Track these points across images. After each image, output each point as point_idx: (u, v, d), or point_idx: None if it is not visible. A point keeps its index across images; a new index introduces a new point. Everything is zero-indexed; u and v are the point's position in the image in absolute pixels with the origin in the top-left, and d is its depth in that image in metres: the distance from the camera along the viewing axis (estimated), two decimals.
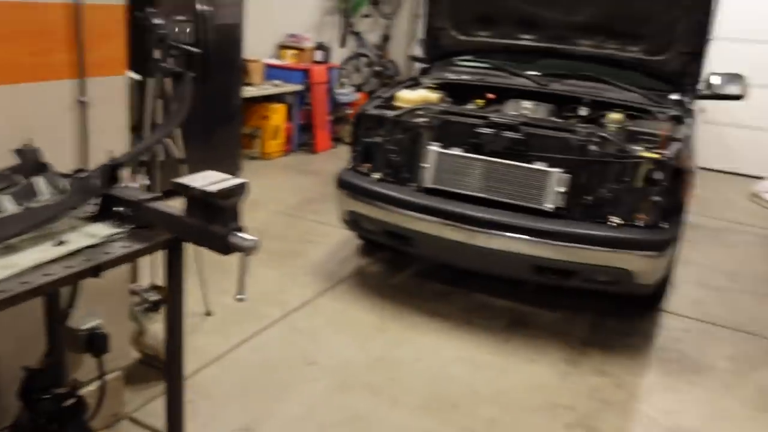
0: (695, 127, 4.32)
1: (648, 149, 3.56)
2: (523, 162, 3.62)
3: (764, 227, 6.22)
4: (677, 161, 3.44)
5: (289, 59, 7.63)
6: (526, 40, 4.60)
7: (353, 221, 4.14)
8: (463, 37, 4.76)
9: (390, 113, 4.05)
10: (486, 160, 3.69)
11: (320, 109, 7.69)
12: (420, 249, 3.98)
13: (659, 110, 4.12)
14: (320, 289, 4.17)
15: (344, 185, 4.09)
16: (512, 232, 3.54)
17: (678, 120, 4.04)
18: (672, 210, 3.59)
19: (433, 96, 4.35)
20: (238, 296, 1.82)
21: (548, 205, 3.57)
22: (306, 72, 7.44)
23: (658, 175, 3.46)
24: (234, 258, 1.77)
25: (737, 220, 6.37)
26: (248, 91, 6.73)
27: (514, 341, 3.71)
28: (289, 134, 7.43)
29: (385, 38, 9.74)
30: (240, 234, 1.72)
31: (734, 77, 4.57)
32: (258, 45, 7.45)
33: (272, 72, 7.41)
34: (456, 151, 3.77)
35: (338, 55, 8.71)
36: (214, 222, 1.72)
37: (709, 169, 8.17)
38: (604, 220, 3.52)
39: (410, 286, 4.33)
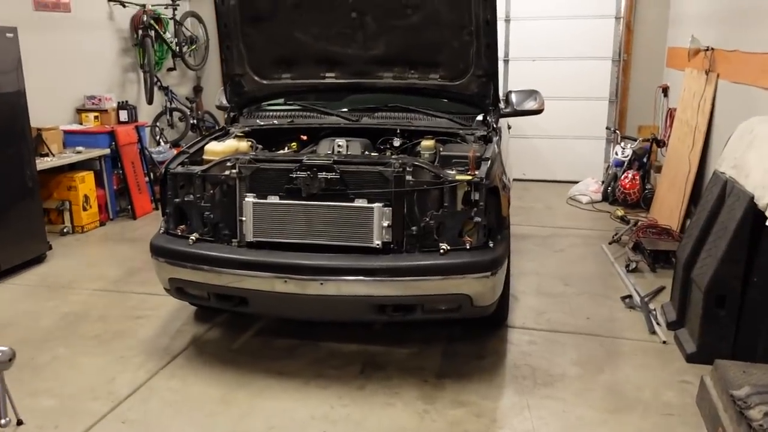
0: (504, 144, 4.48)
1: (461, 172, 3.60)
2: (344, 201, 3.52)
3: (584, 227, 6.63)
4: (490, 180, 3.51)
5: (91, 123, 7.09)
6: (330, 78, 4.55)
7: (178, 289, 3.81)
8: (265, 81, 4.62)
9: (196, 168, 3.80)
10: (305, 205, 3.55)
11: (133, 172, 7.21)
12: (254, 307, 3.75)
13: (467, 132, 4.23)
14: (154, 368, 3.79)
15: (159, 252, 3.77)
16: (343, 275, 3.42)
17: (486, 140, 4.16)
18: (495, 228, 3.65)
19: (244, 145, 4.16)
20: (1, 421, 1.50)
21: (376, 242, 3.49)
22: (111, 134, 6.95)
23: (475, 196, 3.51)
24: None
25: (561, 224, 6.74)
26: (45, 162, 6.14)
27: (369, 386, 3.57)
28: (103, 202, 6.88)
29: (197, 90, 9.42)
30: None
31: (530, 93, 4.82)
32: (53, 111, 6.89)
33: (73, 138, 6.85)
34: (273, 200, 3.60)
35: (147, 113, 8.27)
36: None
37: (529, 180, 8.67)
38: (433, 249, 3.50)
39: (254, 347, 4.06)
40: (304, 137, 4.55)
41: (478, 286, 3.48)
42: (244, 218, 3.63)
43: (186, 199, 3.81)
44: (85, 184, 6.53)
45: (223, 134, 4.49)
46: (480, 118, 4.46)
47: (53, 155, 6.34)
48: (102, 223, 6.84)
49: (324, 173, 3.54)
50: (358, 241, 3.51)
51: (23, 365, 3.85)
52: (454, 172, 3.62)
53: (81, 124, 7.14)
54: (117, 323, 4.42)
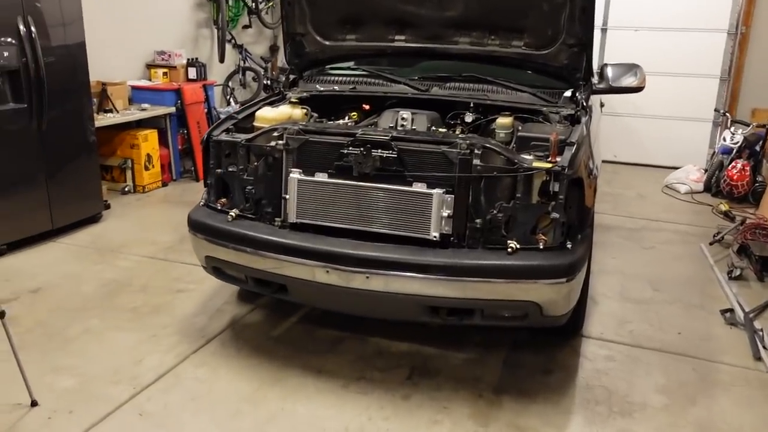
0: (594, 126, 3.88)
1: (539, 158, 3.06)
2: (399, 184, 3.06)
3: (680, 222, 5.90)
4: (573, 169, 2.95)
5: (160, 79, 6.87)
6: (400, 42, 4.05)
7: (215, 269, 3.48)
8: (328, 43, 4.16)
9: (241, 137, 3.42)
10: (355, 186, 3.11)
11: (199, 132, 6.96)
12: (294, 296, 3.37)
13: (552, 110, 3.66)
14: (185, 352, 3.49)
15: (196, 226, 3.43)
16: (393, 270, 2.97)
17: (573, 120, 3.58)
18: (575, 225, 3.11)
19: (298, 112, 3.75)
20: None
21: (433, 234, 3.02)
22: (178, 92, 6.70)
23: (555, 188, 2.97)
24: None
25: (653, 216, 6.04)
26: (108, 119, 5.95)
27: (416, 397, 3.14)
28: (166, 162, 6.68)
29: (273, 49, 9.08)
30: None
31: (630, 68, 4.15)
32: (122, 65, 6.70)
33: (140, 94, 6.66)
34: (320, 177, 3.17)
35: (219, 71, 8.01)
36: None
37: (620, 163, 7.92)
38: (499, 246, 3.00)
39: (296, 336, 3.70)
40: (367, 106, 4.08)
41: (550, 294, 2.96)
42: (287, 196, 3.23)
43: (229, 170, 3.45)
44: (148, 142, 6.33)
45: (280, 99, 4.10)
46: (568, 94, 3.85)
47: (117, 111, 6.15)
48: (164, 184, 6.64)
49: (380, 150, 3.08)
50: (412, 232, 3.05)
51: (54, 335, 3.64)
52: (531, 157, 3.08)
53: (150, 80, 6.95)
54: (157, 296, 4.15)
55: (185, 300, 4.10)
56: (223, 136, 3.47)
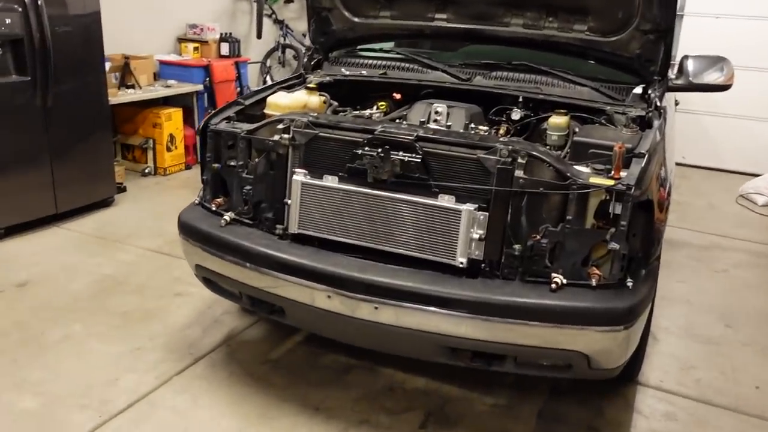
0: (669, 129, 3.22)
1: (598, 172, 2.45)
2: (422, 196, 2.49)
3: (757, 240, 5.15)
4: (641, 189, 2.34)
5: (190, 54, 6.43)
6: (441, 21, 3.45)
7: (206, 280, 2.99)
8: (358, 19, 3.59)
9: (242, 128, 2.90)
10: (368, 194, 2.55)
11: None
12: (293, 321, 2.86)
13: (618, 110, 3.02)
14: (168, 372, 3.02)
15: (186, 229, 2.94)
16: (406, 301, 2.41)
17: (644, 123, 2.94)
18: (639, 257, 2.49)
19: (315, 100, 3.21)
20: None
21: (459, 259, 2.44)
22: (207, 68, 6.24)
23: (616, 210, 2.36)
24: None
25: (726, 231, 5.29)
26: (128, 95, 5.53)
27: None
28: (191, 144, 6.24)
29: None
30: None
31: (715, 61, 3.45)
32: (152, 39, 6.29)
33: (168, 70, 6.24)
34: (329, 181, 2.63)
35: (256, 48, 7.53)
36: None
37: (690, 166, 7.14)
38: (541, 280, 2.41)
39: (297, 361, 3.18)
40: (398, 96, 3.52)
41: (601, 344, 2.37)
42: (290, 201, 2.71)
43: (228, 165, 2.94)
44: (172, 122, 5.89)
45: (300, 82, 3.56)
46: (638, 90, 3.19)
47: (139, 88, 5.72)
48: (187, 167, 6.20)
49: (401, 153, 2.52)
50: (434, 255, 2.48)
51: (29, 340, 3.23)
52: (588, 170, 2.48)
53: (180, 54, 6.51)
54: (152, 299, 3.70)
55: (181, 306, 3.63)
56: (222, 126, 2.96)
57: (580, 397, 2.97)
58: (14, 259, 4.12)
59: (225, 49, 6.55)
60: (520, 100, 3.18)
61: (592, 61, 3.36)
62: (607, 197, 2.37)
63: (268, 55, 7.73)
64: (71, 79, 4.57)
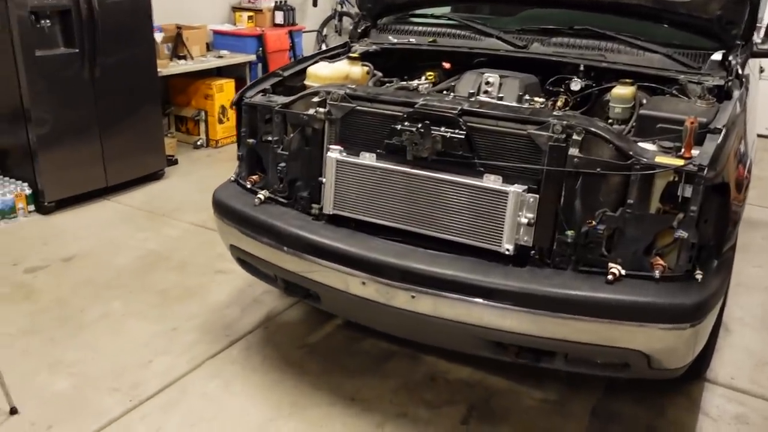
0: (751, 101, 2.88)
1: (666, 150, 2.17)
2: (466, 176, 2.27)
3: None
4: (715, 170, 2.05)
5: (244, 24, 6.30)
6: None
7: (240, 260, 2.87)
8: None
9: (277, 101, 2.73)
10: (408, 174, 2.35)
11: None
12: (328, 307, 2.71)
13: (692, 79, 2.69)
14: (201, 355, 2.92)
15: (219, 208, 2.82)
16: (447, 291, 2.22)
17: (722, 93, 2.61)
18: (710, 245, 2.21)
19: (357, 70, 3.01)
20: None
21: (506, 246, 2.22)
22: (260, 38, 6.10)
23: (685, 193, 2.08)
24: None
25: None
26: (179, 66, 5.45)
27: None
28: None
29: None
30: None
31: None
32: (206, 8, 6.20)
33: (222, 40, 6.15)
34: (366, 159, 2.43)
35: (313, 17, 7.34)
36: None
37: None
38: (597, 270, 2.16)
39: (335, 346, 3.04)
40: (448, 65, 3.27)
41: (664, 342, 2.12)
42: (325, 179, 2.53)
43: (264, 140, 2.79)
44: (224, 93, 5.78)
45: (345, 52, 3.36)
46: (717, 57, 2.84)
47: (191, 58, 5.63)
48: None
49: (443, 128, 2.30)
50: (479, 240, 2.26)
51: (68, 318, 3.20)
52: (654, 148, 2.20)
53: (234, 24, 6.39)
54: (193, 276, 3.62)
55: (222, 284, 3.54)
56: (257, 99, 2.80)
57: (638, 395, 2.71)
58: (62, 233, 4.12)
59: (279, 17, 6.39)
60: (581, 68, 2.88)
61: (665, 25, 3.02)
62: (676, 178, 2.10)
63: (325, 23, 7.54)
64: (119, 50, 4.50)
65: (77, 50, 4.27)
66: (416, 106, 2.36)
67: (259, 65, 6.19)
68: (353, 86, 2.64)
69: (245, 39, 6.09)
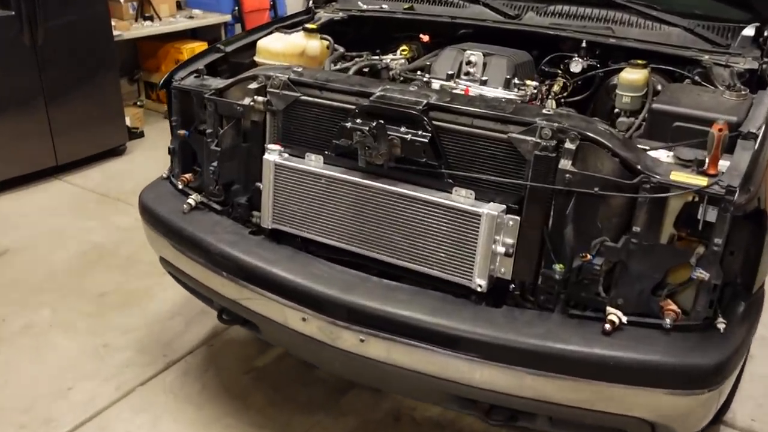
0: None
1: (684, 163, 1.67)
2: (431, 189, 1.80)
3: None
4: (748, 193, 1.57)
5: None
6: None
7: (174, 276, 2.43)
8: None
9: (211, 85, 2.24)
10: (358, 184, 1.88)
11: None
12: (269, 338, 2.29)
13: (718, 60, 2.18)
14: (130, 382, 2.51)
15: (147, 212, 2.36)
16: (401, 336, 1.77)
17: (754, 79, 2.11)
18: (737, 283, 1.75)
19: (314, 45, 2.50)
20: None
21: (478, 281, 1.76)
22: None
23: (708, 218, 1.60)
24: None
25: None
26: (143, 28, 4.93)
27: None
28: None
29: None
30: None
31: None
32: None
33: None
34: (311, 162, 1.96)
35: None
36: None
37: None
38: (591, 315, 1.71)
39: (286, 372, 2.59)
40: (426, 37, 2.75)
41: (673, 409, 1.67)
42: (261, 185, 2.06)
43: (198, 130, 2.32)
44: None
45: (309, 20, 2.85)
46: (749, 32, 2.32)
47: (159, 19, 5.11)
48: None
49: (403, 128, 1.82)
50: (444, 272, 1.80)
51: None
52: (669, 159, 1.71)
53: None
54: (137, 277, 3.19)
55: (168, 288, 3.08)
56: (189, 81, 2.31)
57: None
58: (1, 221, 3.69)
59: None
60: (584, 45, 2.37)
61: None
62: (696, 198, 1.62)
63: None
64: (65, 11, 4.00)
65: (13, 12, 3.76)
66: (371, 98, 1.87)
67: (237, 26, 5.65)
68: (299, 68, 2.14)
69: None
